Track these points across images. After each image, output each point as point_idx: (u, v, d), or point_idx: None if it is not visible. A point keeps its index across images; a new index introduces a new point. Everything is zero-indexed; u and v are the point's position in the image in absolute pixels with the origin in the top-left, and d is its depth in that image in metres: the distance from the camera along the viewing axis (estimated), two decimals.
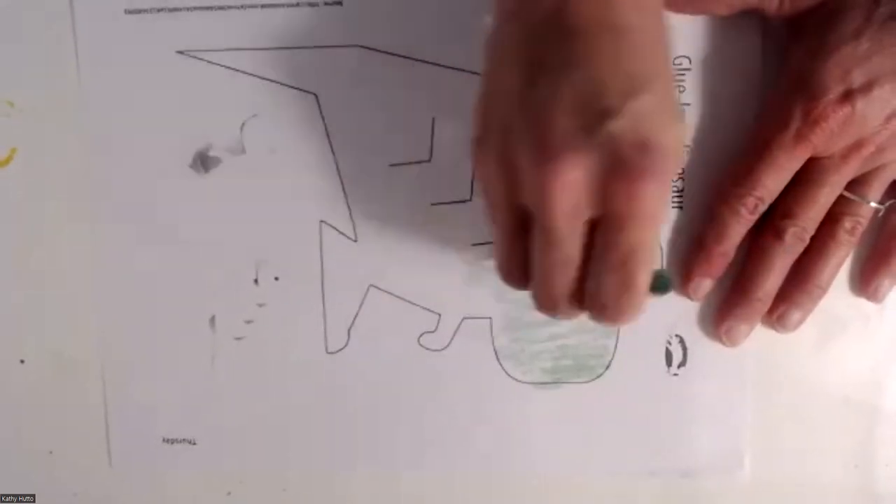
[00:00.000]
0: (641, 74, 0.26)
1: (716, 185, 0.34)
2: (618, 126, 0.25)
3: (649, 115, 0.26)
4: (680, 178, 0.35)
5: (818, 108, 0.30)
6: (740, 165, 0.33)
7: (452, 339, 0.37)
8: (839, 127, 0.31)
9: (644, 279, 0.27)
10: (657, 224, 0.27)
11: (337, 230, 0.36)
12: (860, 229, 0.34)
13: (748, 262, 0.35)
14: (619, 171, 0.25)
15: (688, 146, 0.35)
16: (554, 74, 0.26)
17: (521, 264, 0.29)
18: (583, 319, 0.29)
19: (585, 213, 0.27)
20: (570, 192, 0.26)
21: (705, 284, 0.35)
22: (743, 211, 0.33)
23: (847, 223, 0.34)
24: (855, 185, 0.33)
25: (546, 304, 0.29)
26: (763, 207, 0.33)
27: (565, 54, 0.26)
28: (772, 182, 0.32)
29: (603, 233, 0.27)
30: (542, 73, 0.26)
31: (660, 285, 0.29)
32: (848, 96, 0.30)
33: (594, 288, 0.28)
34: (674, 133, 0.26)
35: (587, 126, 0.25)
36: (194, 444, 0.38)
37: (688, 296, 0.35)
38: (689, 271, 0.35)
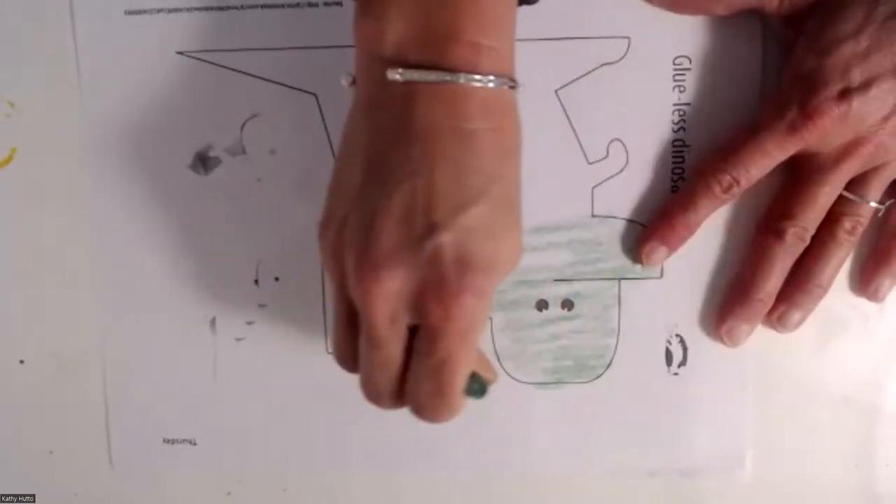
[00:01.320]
0: (477, 186, 0.26)
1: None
2: (441, 242, 0.26)
3: (476, 230, 0.26)
4: (679, 177, 0.35)
5: (815, 103, 0.30)
6: (727, 143, 0.33)
7: None
8: (834, 124, 0.31)
9: (456, 386, 0.28)
10: (471, 336, 0.27)
11: None
12: (860, 229, 0.34)
13: (749, 262, 0.35)
14: (434, 288, 0.26)
15: (688, 146, 0.35)
16: (390, 181, 0.27)
17: (352, 351, 0.30)
18: None
19: (404, 320, 0.27)
20: (387, 300, 0.27)
21: (660, 251, 0.35)
22: (716, 187, 0.33)
23: (847, 223, 0.34)
24: (854, 184, 0.33)
25: (369, 396, 0.30)
26: (737, 191, 0.33)
27: (404, 159, 0.26)
28: (754, 167, 0.32)
29: (420, 339, 0.28)
30: (380, 177, 0.27)
31: (475, 390, 0.30)
32: (846, 94, 0.30)
33: (412, 388, 0.29)
34: (501, 245, 0.27)
35: (412, 240, 0.26)
36: (195, 444, 0.38)
37: (640, 260, 0.35)
38: (648, 234, 0.35)
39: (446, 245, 0.26)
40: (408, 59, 0.26)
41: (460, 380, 0.28)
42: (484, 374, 0.30)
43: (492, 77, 0.26)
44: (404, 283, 0.26)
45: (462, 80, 0.26)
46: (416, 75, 0.26)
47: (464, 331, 0.27)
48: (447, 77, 0.26)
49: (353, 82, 0.29)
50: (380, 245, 0.26)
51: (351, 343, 0.29)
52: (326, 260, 0.29)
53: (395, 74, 0.26)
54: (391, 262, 0.26)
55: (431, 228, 0.26)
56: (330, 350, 0.37)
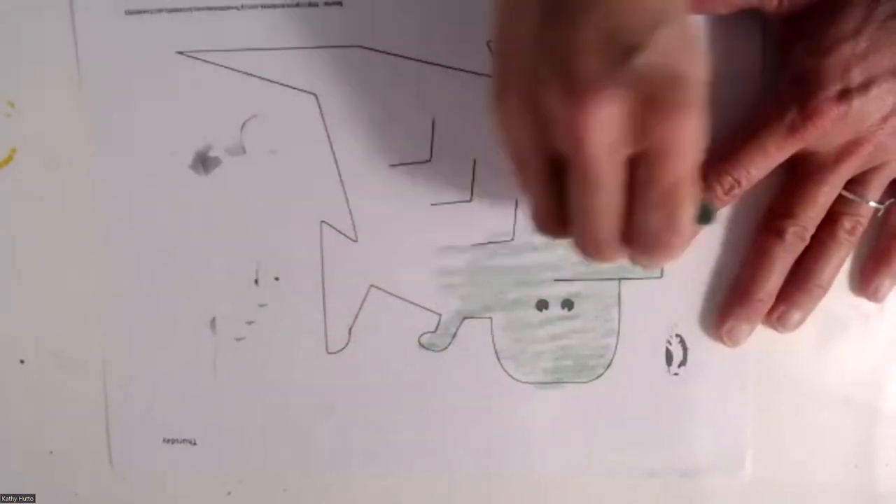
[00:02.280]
0: (661, 8, 0.25)
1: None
2: (646, 60, 0.25)
3: (674, 49, 0.25)
4: None
5: (815, 103, 0.30)
6: (726, 145, 0.33)
7: (453, 339, 0.37)
8: (834, 124, 0.31)
9: (688, 212, 0.27)
10: (695, 156, 0.26)
11: (337, 230, 0.36)
12: (860, 229, 0.34)
13: (749, 262, 0.35)
14: (654, 106, 0.25)
15: None
16: (572, 14, 0.25)
17: (556, 213, 0.28)
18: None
19: (622, 151, 0.26)
20: (605, 130, 0.25)
21: None
22: (718, 189, 0.33)
23: (847, 223, 0.34)
24: (854, 184, 0.33)
25: (590, 248, 0.28)
26: (738, 192, 0.33)
27: None
28: (754, 167, 0.32)
29: (643, 169, 0.26)
30: (559, 13, 0.26)
31: (704, 215, 0.28)
32: (845, 94, 0.30)
33: (639, 227, 0.27)
34: (698, 64, 0.26)
35: (615, 63, 0.25)
36: (195, 444, 0.38)
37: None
38: None
39: (652, 62, 0.25)
40: None
41: (691, 205, 0.27)
42: (710, 201, 0.29)
43: None
44: (618, 107, 0.25)
45: None
46: None
47: (687, 149, 0.26)
48: None
49: None
50: (583, 75, 0.25)
51: (557, 203, 0.28)
52: (515, 122, 0.27)
53: None
54: (601, 88, 0.25)
55: (631, 49, 0.25)
56: (329, 351, 0.37)
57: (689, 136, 0.25)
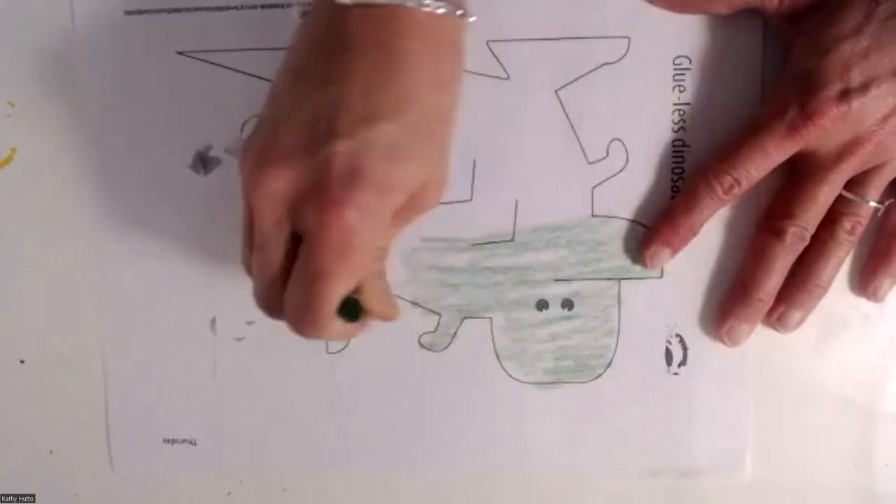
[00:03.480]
0: (389, 104, 0.26)
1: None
2: (335, 150, 0.26)
3: (376, 148, 0.26)
4: (680, 177, 0.35)
5: (815, 103, 0.30)
6: (727, 144, 0.33)
7: (453, 339, 0.37)
8: (834, 124, 0.31)
9: (326, 303, 0.27)
10: (350, 255, 0.27)
11: None
12: (860, 229, 0.34)
13: (749, 262, 0.35)
14: (317, 195, 0.26)
15: (688, 146, 0.35)
16: (305, 87, 0.27)
17: (250, 258, 0.30)
18: None
19: (287, 226, 0.27)
20: (271, 202, 0.27)
21: (664, 254, 0.35)
22: (718, 188, 0.33)
23: (847, 223, 0.34)
24: (854, 184, 0.33)
25: (257, 300, 0.30)
26: (738, 191, 0.33)
27: (324, 68, 0.26)
28: (754, 167, 0.32)
29: (301, 248, 0.27)
30: (298, 83, 0.27)
31: (347, 311, 0.28)
32: (846, 95, 0.30)
33: (286, 296, 0.28)
34: (406, 171, 0.26)
35: (309, 144, 0.26)
36: (195, 444, 0.38)
37: (644, 263, 0.35)
38: (651, 237, 0.35)
39: (340, 153, 0.26)
40: None
41: (331, 298, 0.27)
42: (376, 305, 0.29)
43: (441, 3, 0.26)
44: (290, 184, 0.26)
45: (411, 3, 0.26)
46: None
47: (341, 245, 0.26)
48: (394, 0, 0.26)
49: (304, 13, 0.29)
50: (277, 144, 0.26)
51: (251, 247, 0.29)
52: (240, 160, 0.28)
53: None
54: (281, 162, 0.26)
55: (330, 135, 0.26)
56: (329, 350, 0.37)
57: (337, 233, 0.26)
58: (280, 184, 0.26)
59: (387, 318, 0.30)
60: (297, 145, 0.26)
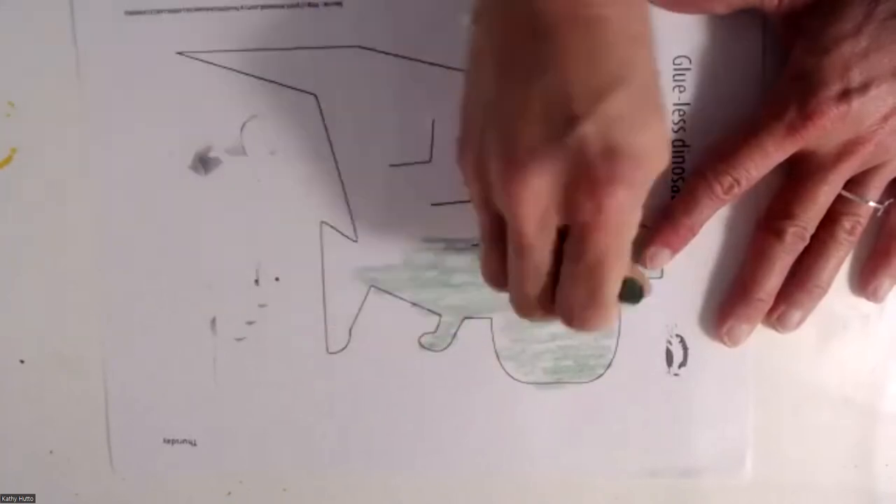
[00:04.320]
0: (614, 72, 0.25)
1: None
2: (584, 133, 0.25)
3: (619, 119, 0.25)
4: (679, 177, 0.35)
5: (814, 103, 0.30)
6: (726, 144, 0.33)
7: (453, 339, 0.37)
8: (833, 124, 0.31)
9: (610, 290, 0.27)
10: (625, 233, 0.26)
11: (337, 230, 0.36)
12: (860, 229, 0.34)
13: (749, 262, 0.35)
14: (584, 181, 0.25)
15: (688, 146, 0.35)
16: (522, 80, 0.26)
17: (500, 266, 0.29)
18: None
19: (554, 222, 0.27)
20: (535, 202, 0.26)
21: (664, 254, 0.35)
22: (717, 188, 0.33)
23: (846, 223, 0.34)
24: (853, 184, 0.33)
25: (520, 307, 0.29)
26: (738, 191, 0.33)
27: (534, 57, 0.26)
28: (754, 167, 0.32)
29: (571, 241, 0.27)
30: (511, 78, 0.26)
31: (630, 294, 0.28)
32: (845, 95, 0.30)
33: (563, 296, 0.28)
34: (648, 135, 0.26)
35: (553, 134, 0.25)
36: (195, 444, 0.38)
37: (644, 264, 0.35)
38: (651, 238, 0.35)
39: (590, 135, 0.25)
40: None
41: (615, 283, 0.27)
42: (638, 276, 0.29)
43: None
44: (552, 179, 0.25)
45: None
46: None
47: (617, 226, 0.26)
48: None
49: (476, 19, 0.28)
50: (522, 145, 0.25)
51: (500, 259, 0.29)
52: (469, 178, 0.28)
53: None
54: (536, 160, 0.25)
55: (572, 120, 0.25)
56: (329, 351, 0.37)
57: (616, 214, 0.25)
58: (542, 181, 0.25)
59: (647, 289, 0.30)
60: (543, 139, 0.25)
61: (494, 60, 0.27)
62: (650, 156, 0.26)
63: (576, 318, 0.28)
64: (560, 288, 0.28)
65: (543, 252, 0.27)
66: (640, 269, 0.30)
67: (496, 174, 0.26)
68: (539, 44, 0.26)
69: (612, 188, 0.25)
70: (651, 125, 0.26)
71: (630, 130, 0.25)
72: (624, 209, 0.25)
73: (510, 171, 0.26)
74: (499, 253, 0.29)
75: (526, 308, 0.29)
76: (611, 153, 0.25)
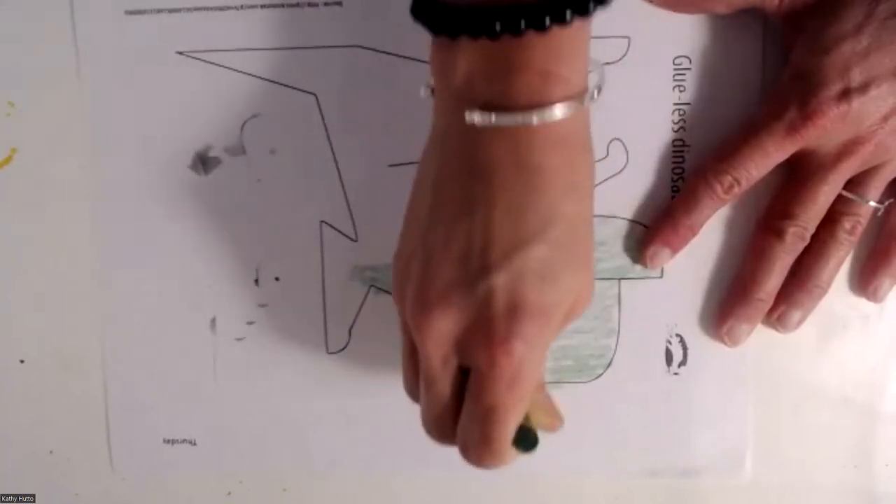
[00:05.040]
0: (537, 223, 0.26)
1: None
2: (493, 285, 0.26)
3: (530, 273, 0.26)
4: (680, 177, 0.35)
5: (815, 103, 0.30)
6: (726, 144, 0.33)
7: None
8: (833, 124, 0.31)
9: (502, 435, 0.28)
10: (521, 386, 0.27)
11: (337, 230, 0.36)
12: (860, 229, 0.34)
13: (749, 262, 0.35)
14: (483, 333, 0.26)
15: (688, 146, 0.35)
16: (449, 218, 0.27)
17: (416, 383, 0.30)
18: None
19: (456, 361, 0.27)
20: (439, 341, 0.27)
21: (664, 254, 0.35)
22: (718, 188, 0.33)
23: (846, 223, 0.34)
24: (853, 184, 0.33)
25: (425, 428, 0.30)
26: (738, 191, 0.33)
27: (465, 196, 0.26)
28: (754, 167, 0.32)
29: (470, 382, 0.28)
30: (441, 214, 0.27)
31: (524, 442, 0.29)
32: (846, 94, 0.30)
33: (461, 428, 0.28)
34: (558, 289, 0.26)
35: (466, 281, 0.26)
36: (195, 444, 0.38)
37: (644, 263, 0.35)
38: (652, 237, 0.35)
39: (498, 288, 0.26)
40: (475, 92, 0.26)
41: (507, 430, 0.28)
42: (544, 419, 0.30)
43: (559, 106, 0.25)
44: (455, 324, 0.26)
45: (535, 120, 0.25)
46: (494, 119, 0.25)
47: (511, 379, 0.26)
48: (519, 119, 0.25)
49: (433, 93, 0.28)
50: (434, 284, 0.26)
51: (414, 375, 0.30)
52: (395, 292, 0.29)
53: (474, 117, 0.26)
54: (443, 303, 0.26)
55: (485, 270, 0.26)
56: (329, 351, 0.37)
57: (509, 368, 0.26)
58: (446, 324, 0.26)
59: (553, 429, 0.31)
60: (454, 283, 0.26)
61: (433, 189, 0.28)
62: (556, 309, 0.27)
63: (470, 453, 0.29)
64: (460, 421, 0.28)
65: (445, 385, 0.28)
66: (544, 408, 0.30)
67: (409, 307, 0.27)
68: (474, 184, 0.26)
69: (508, 345, 0.26)
70: (564, 277, 0.26)
71: (539, 284, 0.26)
72: (519, 363, 0.26)
73: (419, 309, 0.27)
74: (414, 370, 0.30)
75: (429, 430, 0.30)
76: (514, 309, 0.26)
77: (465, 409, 0.28)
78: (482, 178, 0.26)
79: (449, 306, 0.26)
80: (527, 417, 0.29)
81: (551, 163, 0.26)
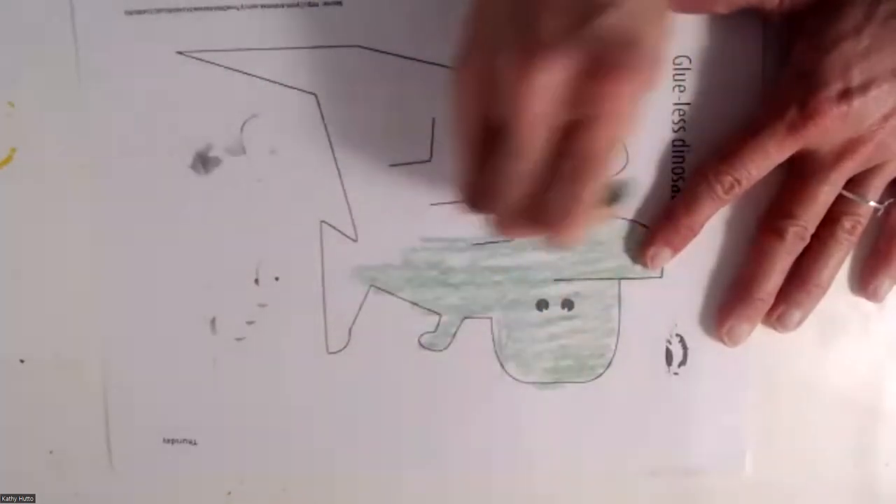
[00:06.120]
0: None
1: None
2: (606, 22, 0.25)
3: (639, 11, 0.25)
4: (680, 177, 0.35)
5: (815, 103, 0.30)
6: (727, 144, 0.33)
7: (453, 339, 0.37)
8: (834, 124, 0.31)
9: (593, 184, 0.27)
10: (622, 131, 0.26)
11: (337, 230, 0.36)
12: (860, 229, 0.34)
13: (749, 262, 0.35)
14: (600, 68, 0.25)
15: (688, 146, 0.35)
16: None
17: (482, 184, 0.28)
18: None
19: (554, 121, 0.26)
20: (544, 94, 0.25)
21: (664, 254, 0.35)
22: (718, 188, 0.33)
23: (847, 223, 0.34)
24: (854, 184, 0.33)
25: (501, 219, 0.29)
26: (739, 191, 0.33)
27: None
28: (754, 167, 0.32)
29: (565, 140, 0.26)
30: None
31: (612, 196, 0.28)
32: (846, 94, 0.30)
33: (546, 199, 0.27)
34: (659, 32, 0.26)
35: (575, 24, 0.25)
36: (195, 444, 0.38)
37: (645, 263, 0.35)
38: (652, 237, 0.35)
39: (612, 25, 0.25)
40: None
41: (598, 177, 0.27)
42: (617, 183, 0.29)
43: None
44: (566, 72, 0.25)
45: None
46: None
47: (620, 119, 0.26)
48: None
49: None
50: (541, 36, 0.25)
51: (484, 175, 0.28)
52: (468, 87, 0.27)
53: None
54: (553, 50, 0.25)
55: (595, 10, 0.25)
56: (329, 351, 0.37)
57: (622, 103, 0.25)
58: (555, 73, 0.25)
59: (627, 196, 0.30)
60: (564, 29, 0.25)
61: None
62: (659, 49, 0.26)
63: (558, 218, 0.27)
64: (549, 189, 0.27)
65: (536, 153, 0.27)
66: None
67: (508, 66, 0.25)
68: None
69: (626, 76, 0.25)
70: (661, 21, 0.26)
71: (647, 23, 0.25)
72: (633, 99, 0.25)
73: (526, 62, 0.25)
74: (480, 160, 0.28)
75: (507, 219, 0.28)
76: (630, 43, 0.25)
77: (553, 174, 0.27)
78: None
79: (561, 52, 0.25)
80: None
81: None
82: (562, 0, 0.25)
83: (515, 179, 0.27)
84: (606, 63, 0.25)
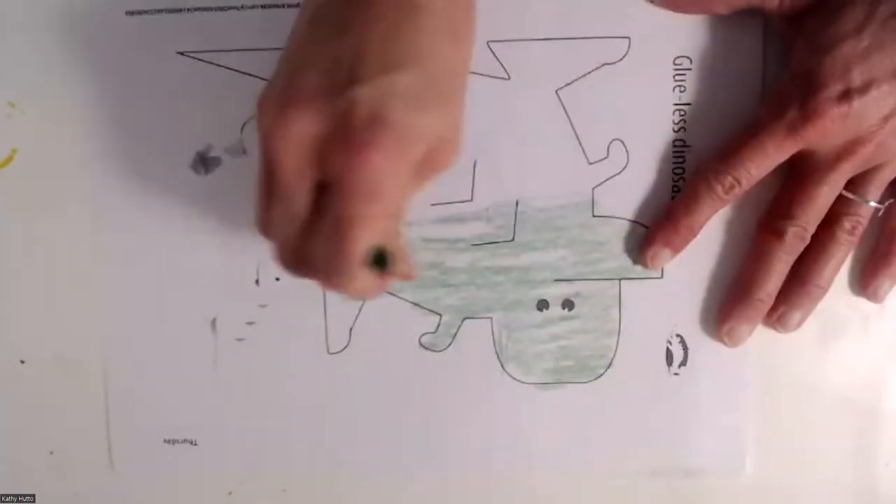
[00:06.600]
0: (411, 55, 0.26)
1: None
2: (357, 95, 0.25)
3: (397, 96, 0.26)
4: (680, 177, 0.35)
5: (815, 103, 0.30)
6: (727, 144, 0.33)
7: (453, 339, 0.37)
8: (834, 124, 0.31)
9: (354, 250, 0.27)
10: (377, 201, 0.26)
11: None
12: (860, 229, 0.34)
13: (749, 262, 0.35)
14: (343, 139, 0.26)
15: (688, 146, 0.35)
16: (323, 35, 0.27)
17: (265, 218, 0.29)
18: None
19: (311, 175, 0.27)
20: (294, 145, 0.26)
21: (664, 254, 0.35)
22: (718, 188, 0.33)
23: (847, 223, 0.34)
24: (854, 184, 0.33)
25: (278, 257, 0.29)
26: (739, 191, 0.33)
27: (342, 18, 0.27)
28: (754, 167, 0.32)
29: (326, 197, 0.27)
30: (316, 32, 0.27)
31: (377, 260, 0.28)
32: (846, 95, 0.30)
33: (312, 248, 0.28)
34: (423, 118, 0.26)
35: (331, 88, 0.26)
36: (195, 444, 0.38)
37: (645, 264, 0.35)
38: (652, 238, 0.35)
39: (362, 99, 0.26)
40: None
41: (360, 242, 0.27)
42: (403, 263, 0.29)
43: None
44: (314, 127, 0.26)
45: None
46: None
47: (368, 191, 0.26)
48: None
49: None
50: (299, 89, 0.26)
51: (267, 206, 0.29)
52: (258, 118, 0.28)
53: None
54: (304, 104, 0.26)
55: (351, 81, 0.26)
56: (329, 351, 0.37)
57: (368, 179, 0.26)
58: (303, 126, 0.26)
59: (407, 276, 0.30)
60: (318, 90, 0.26)
61: (310, 15, 0.28)
62: (420, 138, 0.26)
63: (321, 273, 0.28)
64: (311, 241, 0.28)
65: (299, 201, 0.27)
66: (401, 255, 0.29)
67: (268, 111, 0.27)
68: (353, 7, 0.27)
69: (366, 152, 0.25)
70: (435, 112, 0.27)
71: (403, 108, 0.26)
72: (377, 175, 0.26)
73: (278, 110, 0.26)
74: (267, 200, 0.29)
75: (283, 258, 0.29)
76: (375, 121, 0.25)
77: (318, 227, 0.27)
78: (359, 6, 0.26)
79: (309, 108, 0.26)
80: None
81: (434, 7, 0.26)
82: (327, 63, 0.26)
83: (282, 221, 0.28)
84: (348, 134, 0.26)
